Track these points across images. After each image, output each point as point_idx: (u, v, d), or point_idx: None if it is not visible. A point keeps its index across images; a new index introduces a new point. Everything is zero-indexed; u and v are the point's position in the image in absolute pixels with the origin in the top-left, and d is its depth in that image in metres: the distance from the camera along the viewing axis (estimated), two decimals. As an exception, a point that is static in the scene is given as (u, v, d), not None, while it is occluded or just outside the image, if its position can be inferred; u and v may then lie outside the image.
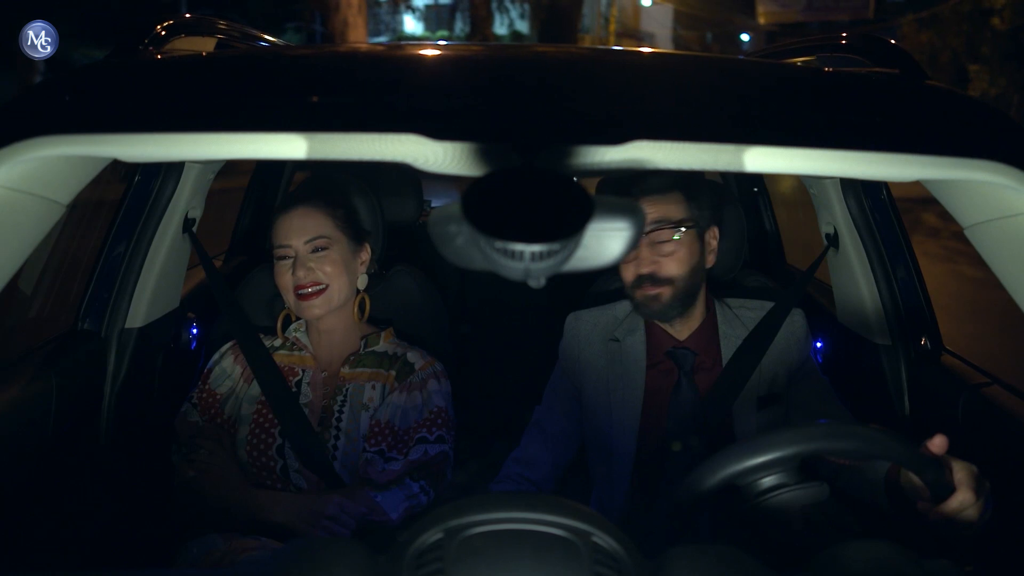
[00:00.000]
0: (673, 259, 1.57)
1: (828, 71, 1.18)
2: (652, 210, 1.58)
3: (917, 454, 1.02)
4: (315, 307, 1.63)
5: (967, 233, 1.00)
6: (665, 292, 1.58)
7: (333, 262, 1.64)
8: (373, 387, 1.64)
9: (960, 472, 1.05)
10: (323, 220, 1.65)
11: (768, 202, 2.74)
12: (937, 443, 1.05)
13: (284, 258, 1.64)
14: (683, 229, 1.58)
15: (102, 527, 1.62)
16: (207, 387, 1.69)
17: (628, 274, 1.61)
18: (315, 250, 1.63)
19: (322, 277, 1.63)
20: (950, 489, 1.04)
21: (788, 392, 1.64)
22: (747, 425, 1.60)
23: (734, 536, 1.46)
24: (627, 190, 1.66)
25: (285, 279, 1.63)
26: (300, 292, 1.62)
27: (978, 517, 1.05)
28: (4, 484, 1.37)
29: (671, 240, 1.57)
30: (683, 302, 1.61)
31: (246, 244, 2.64)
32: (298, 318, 1.73)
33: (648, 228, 1.57)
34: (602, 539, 0.64)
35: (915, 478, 1.09)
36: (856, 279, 1.85)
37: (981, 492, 1.05)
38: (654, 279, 1.58)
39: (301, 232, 1.63)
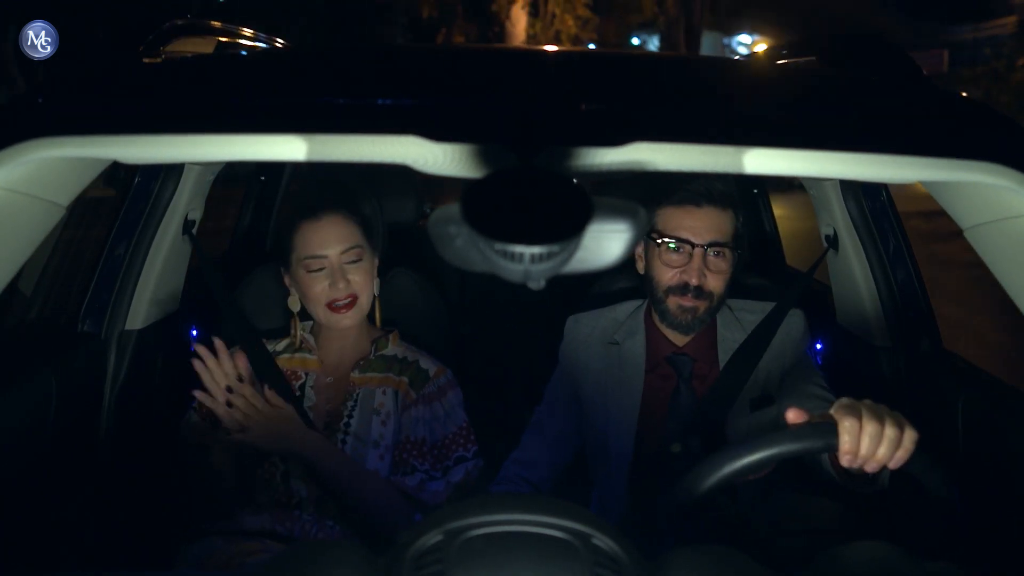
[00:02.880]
0: (721, 277, 1.57)
1: (828, 73, 1.18)
2: (714, 222, 1.55)
3: (795, 436, 0.98)
4: (348, 319, 1.59)
5: (967, 235, 1.00)
6: (702, 306, 1.58)
7: (364, 272, 1.60)
8: (384, 392, 1.62)
9: (827, 413, 1.00)
10: (355, 229, 1.61)
11: (768, 204, 2.73)
12: (790, 416, 1.01)
13: (319, 269, 1.57)
14: (739, 251, 1.59)
15: (102, 527, 1.62)
16: None
17: (670, 278, 1.58)
18: (350, 260, 1.58)
19: (355, 288, 1.58)
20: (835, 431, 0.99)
21: (781, 390, 1.64)
22: (740, 428, 1.60)
23: (733, 537, 1.45)
24: (687, 185, 1.59)
25: (316, 290, 1.57)
26: (335, 305, 1.57)
27: (893, 433, 0.99)
28: (4, 484, 1.36)
29: (726, 259, 1.57)
30: (711, 317, 1.62)
31: (245, 245, 2.64)
32: (303, 319, 1.71)
33: (709, 242, 1.54)
34: (602, 541, 0.64)
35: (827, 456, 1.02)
36: (856, 280, 1.85)
37: (855, 410, 1.00)
38: (699, 292, 1.56)
39: (338, 241, 1.57)
